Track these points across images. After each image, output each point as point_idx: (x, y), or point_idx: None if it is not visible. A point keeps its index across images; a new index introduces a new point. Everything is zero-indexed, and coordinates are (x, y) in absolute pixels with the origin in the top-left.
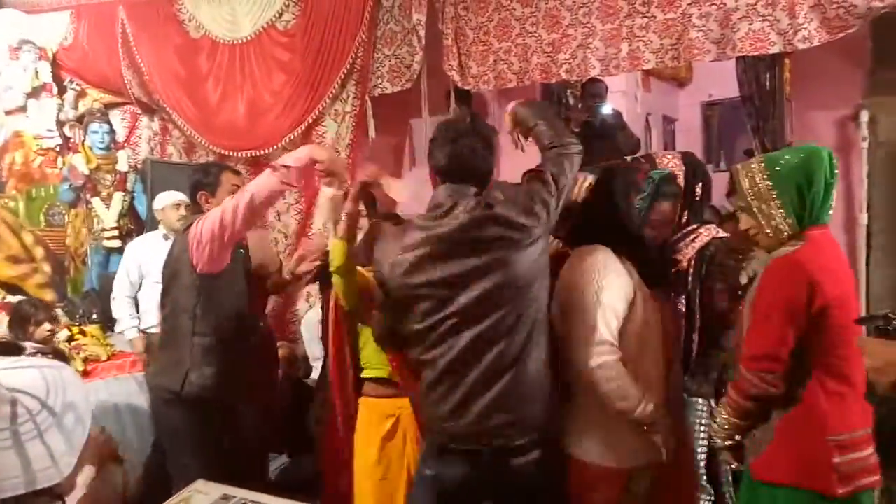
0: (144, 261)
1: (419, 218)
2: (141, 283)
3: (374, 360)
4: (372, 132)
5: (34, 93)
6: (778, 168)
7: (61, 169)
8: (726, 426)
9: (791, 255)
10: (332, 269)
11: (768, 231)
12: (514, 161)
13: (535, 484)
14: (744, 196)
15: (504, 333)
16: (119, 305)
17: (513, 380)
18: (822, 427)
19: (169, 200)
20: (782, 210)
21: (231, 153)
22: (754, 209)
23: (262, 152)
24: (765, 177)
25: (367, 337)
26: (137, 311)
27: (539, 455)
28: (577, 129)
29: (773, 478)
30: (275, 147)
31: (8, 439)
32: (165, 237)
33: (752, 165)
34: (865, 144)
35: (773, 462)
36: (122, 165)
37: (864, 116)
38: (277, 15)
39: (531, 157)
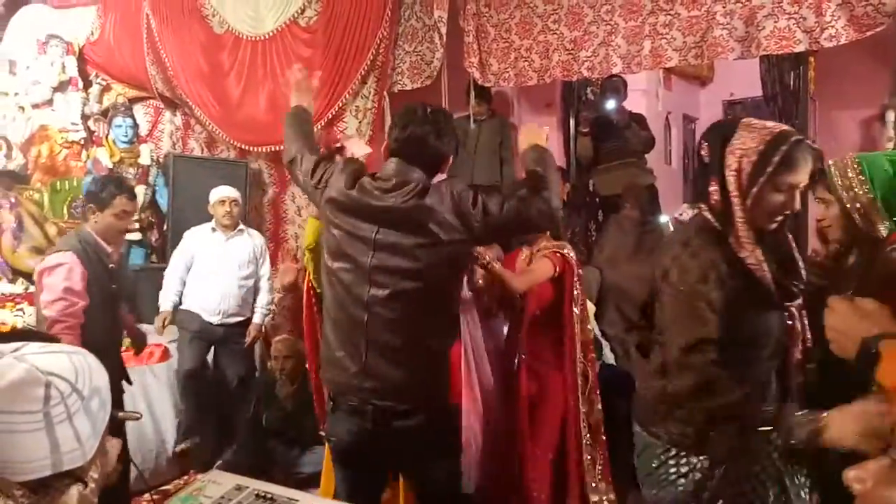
0: (194, 249)
1: (368, 179)
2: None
3: None
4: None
5: (61, 87)
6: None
7: (85, 162)
8: None
9: None
10: (304, 246)
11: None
12: None
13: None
14: (835, 188)
15: (404, 307)
16: (167, 281)
17: (405, 349)
18: None
19: (215, 197)
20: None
21: (252, 148)
22: (846, 203)
23: (282, 147)
24: (858, 171)
25: None
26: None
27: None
28: (585, 130)
29: None
30: None
31: (40, 421)
32: (213, 230)
33: (846, 161)
34: (891, 145)
35: None
36: (145, 159)
37: (891, 116)
38: (299, 11)
39: None
